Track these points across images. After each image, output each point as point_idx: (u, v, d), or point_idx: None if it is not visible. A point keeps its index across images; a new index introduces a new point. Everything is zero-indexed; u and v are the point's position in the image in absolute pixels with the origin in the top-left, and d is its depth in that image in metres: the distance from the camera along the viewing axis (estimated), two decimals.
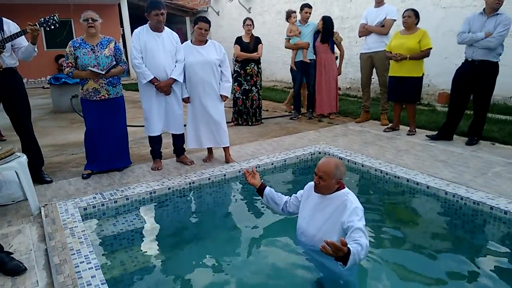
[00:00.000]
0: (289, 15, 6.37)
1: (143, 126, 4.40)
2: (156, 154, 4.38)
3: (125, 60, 4.14)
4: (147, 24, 4.07)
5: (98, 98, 3.96)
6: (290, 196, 2.79)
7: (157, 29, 4.03)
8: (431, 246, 2.85)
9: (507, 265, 2.57)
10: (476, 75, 4.57)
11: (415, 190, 3.65)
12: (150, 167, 4.32)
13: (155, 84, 4.03)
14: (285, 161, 4.46)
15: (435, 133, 5.08)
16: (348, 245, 1.96)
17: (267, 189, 2.83)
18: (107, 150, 4.09)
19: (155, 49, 4.01)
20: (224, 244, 2.96)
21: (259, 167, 4.21)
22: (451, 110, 4.93)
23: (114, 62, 3.96)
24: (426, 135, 5.07)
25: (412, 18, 5.05)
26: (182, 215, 3.57)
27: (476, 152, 4.47)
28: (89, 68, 3.82)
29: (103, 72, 3.85)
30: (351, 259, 1.94)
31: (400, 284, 2.41)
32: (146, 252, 2.91)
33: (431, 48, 5.02)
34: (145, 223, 3.36)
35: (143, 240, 3.09)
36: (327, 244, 1.88)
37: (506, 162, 4.08)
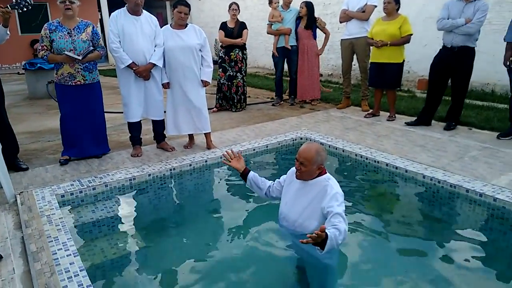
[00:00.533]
0: (271, 0, 6.30)
1: (122, 112, 4.31)
2: (135, 140, 4.31)
3: (102, 45, 4.03)
4: (125, 7, 3.96)
5: (73, 83, 3.85)
6: (274, 181, 2.79)
7: (135, 12, 3.93)
8: (409, 229, 2.92)
9: (481, 246, 2.64)
10: (454, 61, 4.63)
11: (394, 174, 3.71)
12: (129, 153, 4.25)
13: (134, 69, 3.94)
14: (267, 147, 4.46)
15: (414, 119, 5.16)
16: (326, 230, 1.98)
17: (251, 173, 2.82)
18: (83, 136, 4.00)
19: (133, 33, 3.91)
20: (206, 230, 2.95)
21: (240, 153, 4.18)
22: (429, 96, 5.00)
23: (92, 47, 3.85)
24: (405, 122, 5.14)
25: (392, 4, 5.06)
26: (163, 202, 3.54)
27: (454, 137, 4.57)
28: (65, 52, 3.70)
29: (80, 57, 3.74)
30: (328, 243, 1.96)
31: (379, 267, 2.45)
32: (127, 239, 2.88)
33: (411, 34, 5.06)
34: (125, 210, 3.32)
35: (123, 227, 3.06)
36: (308, 240, 1.89)
37: (482, 146, 4.18)
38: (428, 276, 2.34)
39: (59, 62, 3.78)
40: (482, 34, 4.74)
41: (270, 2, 6.32)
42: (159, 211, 3.34)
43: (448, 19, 4.61)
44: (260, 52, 11.71)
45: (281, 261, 2.52)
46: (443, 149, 4.14)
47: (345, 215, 2.24)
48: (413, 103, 6.15)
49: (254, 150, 4.35)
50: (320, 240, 1.93)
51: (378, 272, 2.39)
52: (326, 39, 6.46)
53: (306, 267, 2.44)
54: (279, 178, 2.76)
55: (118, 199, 3.45)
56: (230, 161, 2.84)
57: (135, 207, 3.41)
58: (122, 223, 3.11)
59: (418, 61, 7.23)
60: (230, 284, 2.33)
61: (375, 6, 5.69)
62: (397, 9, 5.14)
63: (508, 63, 4.25)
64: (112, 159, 4.14)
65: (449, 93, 4.98)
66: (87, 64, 3.86)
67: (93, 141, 4.09)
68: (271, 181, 2.80)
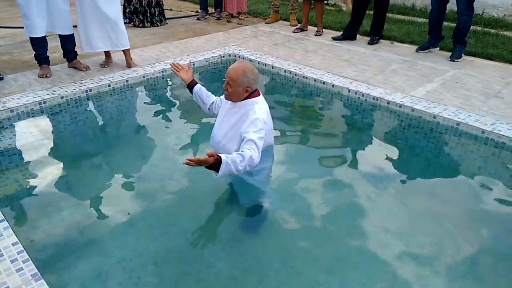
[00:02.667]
0: None
1: (23, 27, 3.70)
2: (42, 59, 3.79)
3: None
4: None
5: None
6: (219, 97, 2.65)
7: None
8: (334, 142, 3.04)
9: (399, 152, 2.86)
10: None
11: (321, 89, 3.76)
12: (36, 74, 3.76)
13: None
14: (193, 64, 4.20)
15: (340, 33, 5.16)
16: (222, 155, 1.96)
17: (197, 86, 2.65)
18: None
19: None
20: (133, 153, 2.81)
21: (165, 71, 3.92)
22: (354, 10, 4.97)
23: None
24: (332, 37, 5.13)
25: None
26: (80, 126, 3.23)
27: (377, 51, 4.68)
28: None
29: None
30: (223, 168, 1.95)
31: (305, 177, 2.54)
32: (43, 167, 2.62)
33: None
34: (38, 137, 2.98)
35: (37, 155, 2.76)
36: (189, 161, 1.85)
37: (402, 59, 4.35)
38: (349, 176, 2.50)
39: None
40: None
41: None
42: (77, 137, 3.06)
43: None
44: None
45: (212, 180, 2.49)
46: (367, 63, 4.24)
47: (261, 142, 2.18)
48: (340, 18, 6.12)
49: (193, 64, 4.07)
50: (206, 164, 1.90)
51: (305, 185, 2.48)
52: None
53: (234, 184, 2.44)
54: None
55: (28, 125, 3.09)
56: (178, 71, 2.65)
57: (49, 133, 3.08)
58: (37, 151, 2.81)
59: None
60: (161, 205, 2.28)
61: None
62: None
63: None
64: (17, 81, 3.63)
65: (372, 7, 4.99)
66: None
67: None
68: (217, 97, 2.66)
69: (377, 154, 2.83)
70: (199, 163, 1.87)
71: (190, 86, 2.65)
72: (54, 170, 2.61)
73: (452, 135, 2.96)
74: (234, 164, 1.99)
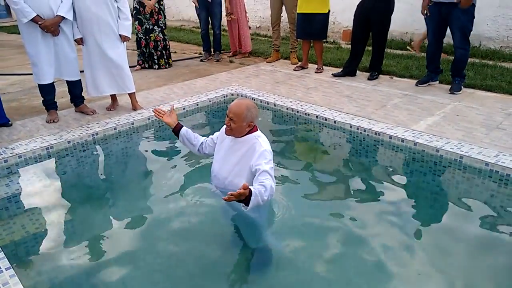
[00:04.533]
0: None
1: (32, 74, 3.84)
2: (50, 104, 3.90)
3: None
4: None
5: None
6: (207, 137, 2.71)
7: None
8: (338, 178, 3.03)
9: (404, 187, 2.84)
10: (374, 10, 4.73)
11: (324, 125, 3.81)
12: (44, 120, 3.86)
13: (39, 23, 3.48)
14: (197, 104, 4.30)
15: (340, 70, 5.27)
16: (251, 187, 1.98)
17: (184, 129, 2.71)
18: None
19: None
20: (137, 196, 2.82)
21: (173, 107, 4.00)
22: (353, 47, 5.12)
23: None
24: (332, 74, 5.24)
25: None
26: (87, 170, 3.28)
27: (377, 86, 4.76)
28: None
29: None
30: (252, 200, 1.97)
31: (311, 216, 2.53)
32: (49, 212, 2.65)
33: None
34: (45, 182, 3.03)
35: (44, 201, 2.80)
36: (230, 196, 1.87)
37: (403, 94, 4.42)
38: (354, 213, 2.48)
39: None
40: None
41: None
42: (84, 180, 3.10)
43: None
44: (184, 3, 11.06)
45: (216, 221, 2.50)
46: (368, 98, 4.30)
47: (273, 172, 2.24)
48: (339, 54, 6.28)
49: (184, 109, 4.18)
50: (244, 197, 1.92)
51: (309, 221, 2.47)
52: None
53: (239, 224, 2.45)
54: (212, 135, 2.69)
55: (36, 170, 3.14)
56: (162, 117, 2.71)
57: (55, 178, 3.13)
58: (43, 196, 2.85)
59: (342, 11, 7.31)
60: (166, 247, 2.27)
61: None
62: None
63: (425, 12, 4.42)
64: (25, 127, 3.73)
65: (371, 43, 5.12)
66: None
67: None
68: (204, 137, 2.72)
69: (382, 190, 2.81)
70: (239, 196, 1.89)
71: (176, 130, 2.70)
72: (60, 215, 2.62)
73: (456, 168, 2.95)
74: (261, 194, 2.02)
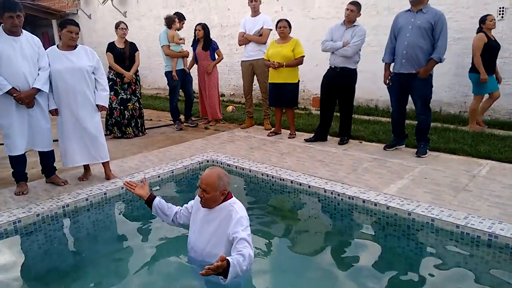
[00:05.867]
0: (172, 21, 6.17)
1: (2, 144, 3.78)
2: (20, 176, 3.80)
3: None
4: (0, 27, 3.52)
5: None
6: (181, 207, 2.68)
7: (13, 33, 3.52)
8: (313, 244, 3.03)
9: (379, 253, 2.85)
10: (338, 80, 5.05)
11: (298, 190, 3.85)
12: (13, 192, 3.74)
13: (14, 95, 3.50)
14: (172, 172, 4.30)
15: (312, 135, 5.47)
16: (228, 258, 1.94)
17: (156, 199, 2.68)
18: None
19: (12, 55, 3.49)
20: (109, 273, 2.69)
21: (145, 179, 3.96)
22: (322, 113, 5.36)
23: None
24: (304, 139, 5.41)
25: (287, 28, 5.37)
26: (56, 244, 3.14)
27: (347, 150, 4.93)
28: None
29: None
30: (231, 271, 1.93)
31: (289, 284, 2.48)
32: None
33: (304, 56, 5.39)
34: (9, 259, 2.86)
35: (7, 280, 2.62)
36: (207, 270, 1.84)
37: (372, 158, 4.58)
38: (330, 279, 2.47)
39: None
40: (363, 55, 5.26)
41: (172, 23, 6.17)
42: (52, 257, 2.94)
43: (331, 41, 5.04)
44: (160, 73, 11.39)
45: None
46: (340, 163, 4.44)
47: (251, 239, 2.23)
48: (310, 120, 6.54)
49: (159, 176, 4.15)
50: (222, 269, 1.88)
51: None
52: (218, 60, 6.46)
53: None
54: (186, 204, 2.67)
55: (1, 247, 2.97)
56: (133, 189, 2.69)
57: (22, 255, 2.96)
58: (7, 274, 2.67)
59: (311, 80, 7.74)
60: None
61: (271, 30, 5.97)
62: (289, 33, 5.45)
63: (387, 81, 4.76)
64: None
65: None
66: None
67: None
68: (178, 207, 2.69)
69: (358, 254, 2.82)
70: (216, 269, 1.84)
71: (149, 201, 2.69)
72: None
73: (429, 231, 3.01)
74: (239, 264, 1.98)
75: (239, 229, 2.21)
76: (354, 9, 4.89)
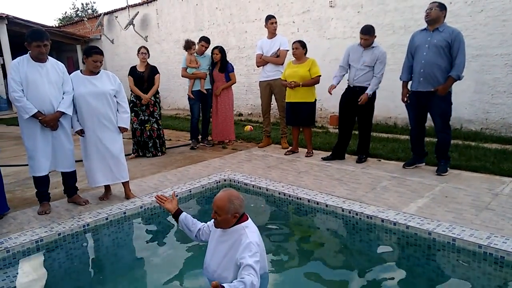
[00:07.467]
0: (190, 46, 6.37)
1: (27, 165, 3.92)
2: (43, 196, 3.91)
3: None
4: (28, 54, 3.71)
5: None
6: (205, 223, 2.71)
7: (39, 60, 3.70)
8: (332, 264, 2.98)
9: (400, 275, 2.79)
10: (357, 99, 5.04)
11: (315, 210, 3.82)
12: (36, 211, 3.84)
13: (40, 118, 3.65)
14: (190, 191, 4.35)
15: (329, 153, 5.44)
16: (225, 284, 1.96)
17: (183, 214, 2.74)
18: None
19: (38, 80, 3.66)
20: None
21: (175, 194, 4.02)
22: (341, 132, 5.35)
23: None
24: (322, 157, 5.40)
25: (300, 49, 5.44)
26: (76, 263, 3.20)
27: (366, 168, 4.89)
28: None
29: None
30: None
31: None
32: None
33: (320, 75, 5.43)
34: (31, 277, 2.93)
35: None
36: None
37: (391, 176, 4.52)
38: None
39: None
40: None
41: (189, 48, 6.38)
42: (72, 274, 3.00)
43: (348, 62, 5.08)
44: (179, 94, 11.69)
45: None
46: (358, 181, 4.39)
47: (258, 266, 2.19)
48: (328, 138, 6.52)
49: (177, 195, 4.18)
50: None
51: None
52: (229, 83, 6.50)
53: None
54: (210, 221, 2.69)
55: (23, 265, 3.05)
56: (163, 203, 2.77)
57: (43, 273, 3.02)
58: None
59: (328, 99, 7.67)
60: None
61: (288, 50, 6.05)
62: (305, 53, 5.52)
63: (405, 99, 4.73)
64: (16, 219, 3.70)
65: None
66: None
67: None
68: (202, 223, 2.72)
69: (377, 276, 2.76)
70: None
71: (176, 215, 2.75)
72: None
73: (450, 251, 2.93)
74: None
75: (246, 254, 2.20)
76: (368, 38, 4.91)
